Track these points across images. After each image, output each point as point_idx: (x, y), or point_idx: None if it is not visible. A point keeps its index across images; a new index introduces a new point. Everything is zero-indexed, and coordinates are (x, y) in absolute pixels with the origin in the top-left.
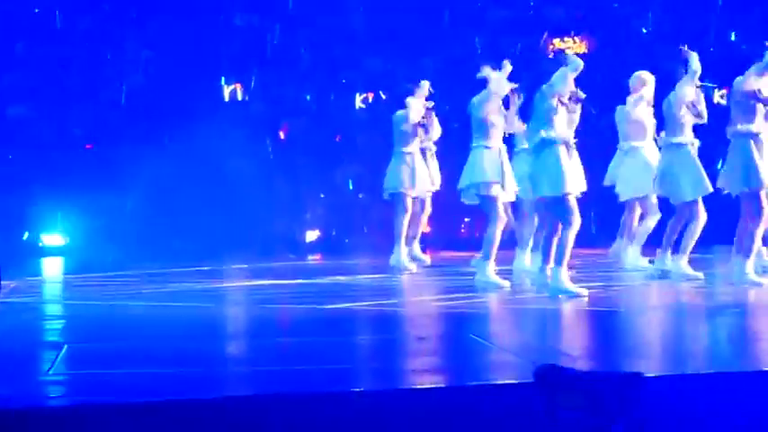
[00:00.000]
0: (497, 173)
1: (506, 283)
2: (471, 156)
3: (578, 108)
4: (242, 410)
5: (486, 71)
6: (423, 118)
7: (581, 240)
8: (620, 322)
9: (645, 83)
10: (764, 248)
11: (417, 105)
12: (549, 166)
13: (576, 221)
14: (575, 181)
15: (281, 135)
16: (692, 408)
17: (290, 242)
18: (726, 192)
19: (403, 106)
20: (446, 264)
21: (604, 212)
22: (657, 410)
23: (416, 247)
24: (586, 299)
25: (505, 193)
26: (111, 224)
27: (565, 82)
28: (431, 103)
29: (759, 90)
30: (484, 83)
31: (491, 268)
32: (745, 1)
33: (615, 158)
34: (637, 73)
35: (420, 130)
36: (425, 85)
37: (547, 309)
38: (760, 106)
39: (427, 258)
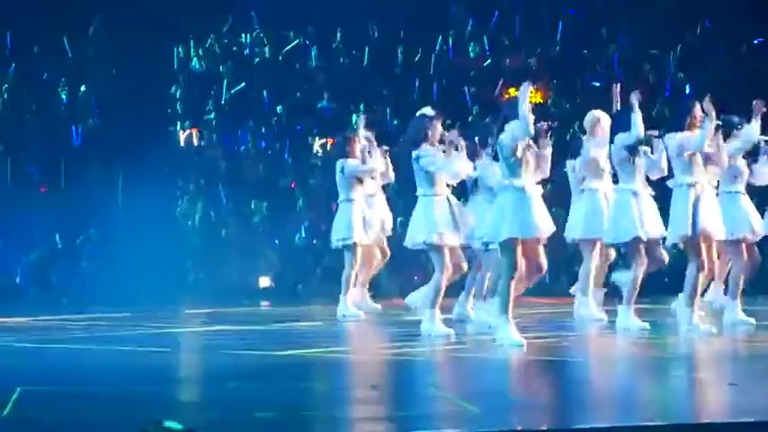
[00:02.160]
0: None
1: (450, 331)
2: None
3: (548, 144)
4: None
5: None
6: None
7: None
8: (574, 372)
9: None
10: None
11: (354, 160)
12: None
13: (517, 271)
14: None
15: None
16: None
17: (243, 288)
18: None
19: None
20: (397, 311)
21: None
22: None
23: (366, 294)
24: (525, 348)
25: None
26: (65, 266)
27: (514, 133)
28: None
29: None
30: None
31: (437, 316)
32: (701, 56)
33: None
34: (592, 112)
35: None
36: (359, 136)
37: (497, 358)
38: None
39: (378, 306)
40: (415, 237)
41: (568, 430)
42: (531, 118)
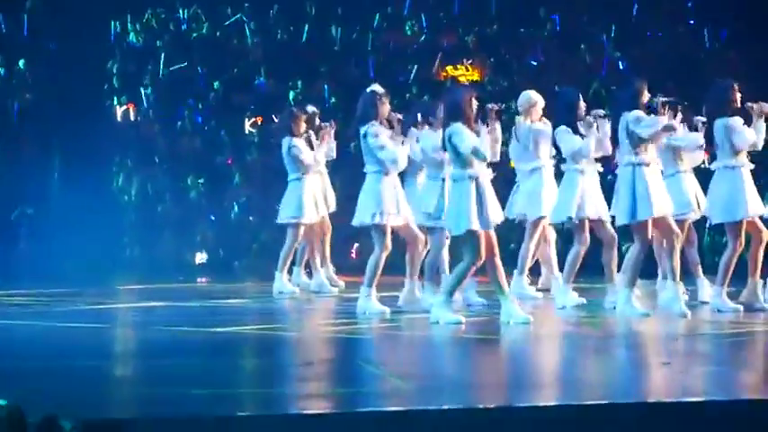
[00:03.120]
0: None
1: (386, 309)
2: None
3: (497, 125)
4: (105, 429)
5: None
6: (309, 144)
7: None
8: (507, 351)
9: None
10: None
11: (301, 143)
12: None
13: (480, 259)
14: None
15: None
16: None
17: (179, 264)
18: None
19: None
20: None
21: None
22: None
23: (330, 269)
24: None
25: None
26: (0, 243)
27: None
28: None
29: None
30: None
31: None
32: (638, 36)
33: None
34: (527, 93)
35: (315, 156)
36: (301, 118)
37: (434, 335)
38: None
39: (342, 283)
40: (362, 216)
41: (504, 408)
42: (484, 145)
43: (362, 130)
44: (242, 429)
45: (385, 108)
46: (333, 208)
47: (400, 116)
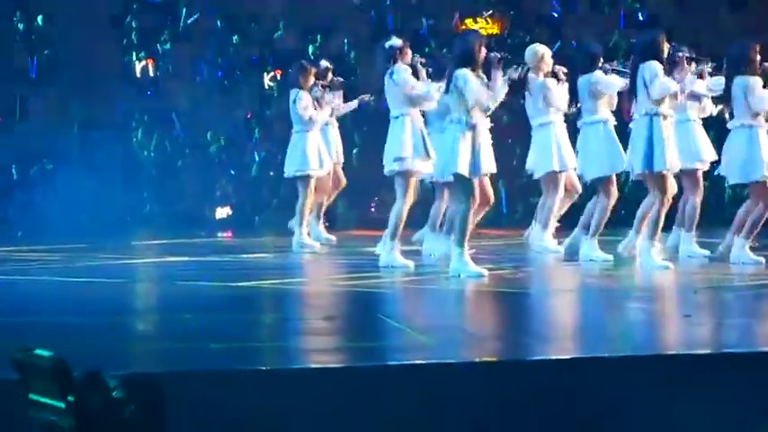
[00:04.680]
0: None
1: (410, 263)
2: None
3: (499, 75)
4: (146, 386)
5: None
6: (315, 101)
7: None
8: (530, 304)
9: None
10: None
11: (306, 97)
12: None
13: (475, 202)
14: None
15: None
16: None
17: (199, 219)
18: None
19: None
20: (354, 242)
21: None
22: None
23: (322, 226)
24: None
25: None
26: (20, 198)
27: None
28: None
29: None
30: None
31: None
32: None
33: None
34: (534, 47)
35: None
36: (311, 72)
37: (454, 289)
38: None
39: (333, 238)
40: (388, 162)
41: (524, 362)
42: (496, 97)
43: (389, 70)
44: (261, 383)
45: (407, 57)
46: (340, 161)
47: (423, 60)
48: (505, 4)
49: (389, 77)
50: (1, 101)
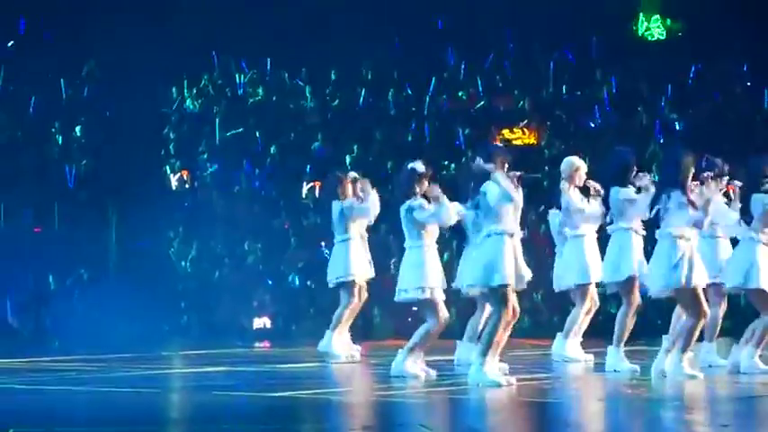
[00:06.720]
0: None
1: (422, 375)
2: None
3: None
4: None
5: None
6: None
7: None
8: (557, 413)
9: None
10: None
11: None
12: (490, 256)
13: (509, 314)
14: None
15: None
16: None
17: (236, 329)
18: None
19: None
20: (386, 353)
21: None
22: None
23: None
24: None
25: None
26: (58, 307)
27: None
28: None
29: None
30: None
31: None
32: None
33: None
34: (570, 159)
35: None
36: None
37: (484, 398)
38: None
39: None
40: (407, 290)
41: None
42: (512, 187)
43: (406, 205)
44: None
45: (423, 186)
46: (372, 274)
47: (438, 193)
48: (542, 113)
49: (408, 213)
50: (38, 210)
